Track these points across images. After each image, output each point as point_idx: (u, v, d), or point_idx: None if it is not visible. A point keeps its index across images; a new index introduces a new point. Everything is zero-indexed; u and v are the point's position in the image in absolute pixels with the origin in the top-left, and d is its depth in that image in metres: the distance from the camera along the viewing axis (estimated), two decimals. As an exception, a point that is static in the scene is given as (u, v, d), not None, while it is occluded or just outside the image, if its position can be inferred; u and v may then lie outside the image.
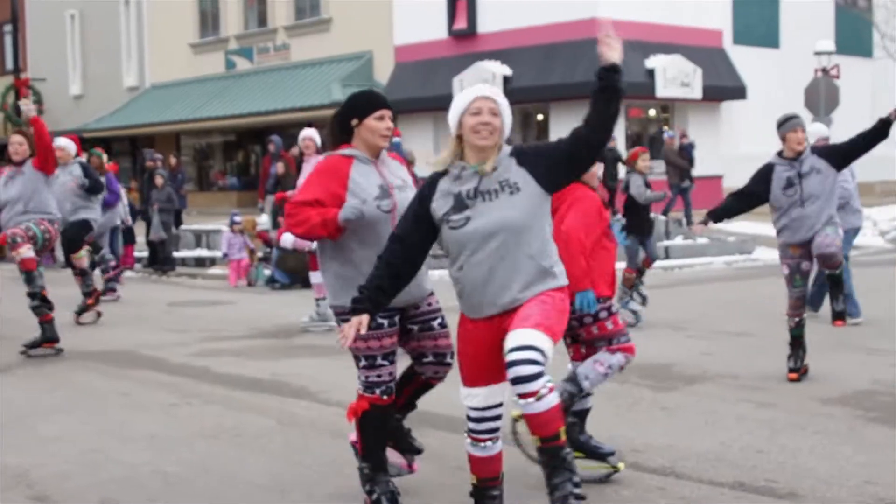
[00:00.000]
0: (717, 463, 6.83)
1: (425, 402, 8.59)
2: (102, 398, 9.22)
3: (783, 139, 9.25)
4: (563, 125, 29.08)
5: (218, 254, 23.60)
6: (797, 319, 9.47)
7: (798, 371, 9.42)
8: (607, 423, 7.96)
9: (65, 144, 14.23)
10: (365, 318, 5.08)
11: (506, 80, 29.43)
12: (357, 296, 5.15)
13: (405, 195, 5.72)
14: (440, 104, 31.02)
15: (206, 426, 8.10)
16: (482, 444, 5.34)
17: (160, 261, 21.97)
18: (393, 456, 6.14)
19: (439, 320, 5.93)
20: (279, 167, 22.23)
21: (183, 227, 24.94)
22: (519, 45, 29.99)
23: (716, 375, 9.74)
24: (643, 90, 29.15)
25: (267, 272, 19.44)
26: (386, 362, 5.75)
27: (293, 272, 18.80)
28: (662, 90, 29.22)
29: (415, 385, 6.15)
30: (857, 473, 6.55)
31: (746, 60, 31.87)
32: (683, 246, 22.96)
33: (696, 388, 9.25)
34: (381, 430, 5.89)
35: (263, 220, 22.64)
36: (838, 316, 9.62)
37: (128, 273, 21.26)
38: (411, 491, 6.31)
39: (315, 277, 12.92)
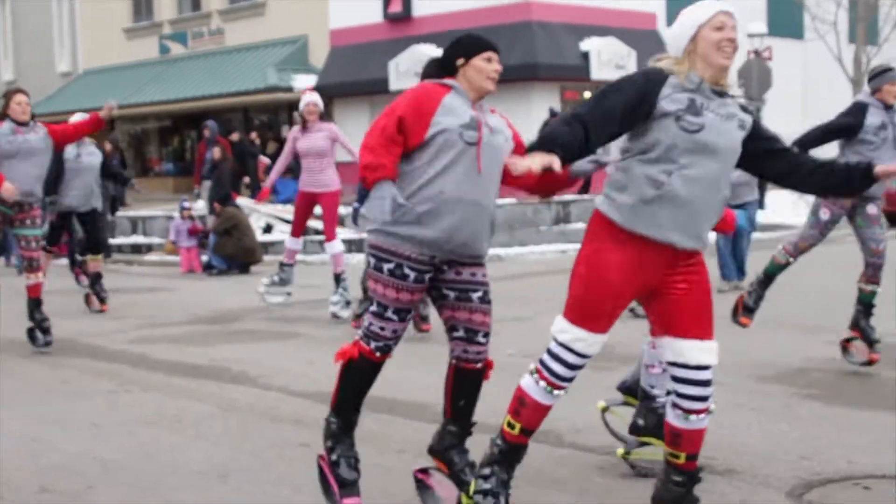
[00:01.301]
0: (656, 441, 6.90)
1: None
2: (41, 387, 9.15)
3: (878, 90, 9.25)
4: (498, 107, 28.97)
5: (156, 240, 23.49)
6: (790, 259, 9.55)
7: (751, 317, 9.51)
8: (547, 403, 8.02)
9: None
10: (556, 158, 4.54)
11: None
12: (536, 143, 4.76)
13: (496, 140, 5.47)
14: (376, 88, 31.18)
15: (145, 413, 8.07)
16: (554, 392, 5.03)
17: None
18: (441, 487, 5.72)
19: (480, 293, 5.50)
20: (215, 152, 22.11)
21: (119, 213, 24.74)
22: (454, 28, 29.90)
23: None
24: (578, 72, 29.26)
25: (205, 258, 19.35)
26: (395, 318, 5.38)
27: (230, 258, 18.75)
28: (597, 72, 29.33)
29: (450, 376, 5.67)
30: (793, 449, 6.64)
31: (680, 42, 32.09)
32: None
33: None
34: (362, 385, 5.65)
35: (199, 206, 22.50)
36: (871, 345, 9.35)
37: (62, 261, 21.07)
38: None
39: (292, 243, 13.10)
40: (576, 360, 4.98)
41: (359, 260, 19.70)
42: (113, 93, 38.44)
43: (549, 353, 5.00)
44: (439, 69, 5.58)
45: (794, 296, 12.91)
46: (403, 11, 31.75)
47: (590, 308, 4.89)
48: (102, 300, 13.89)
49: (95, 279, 13.89)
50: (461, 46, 5.54)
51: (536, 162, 4.51)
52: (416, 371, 9.44)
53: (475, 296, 5.48)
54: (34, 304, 10.67)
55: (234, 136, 26.56)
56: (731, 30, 4.79)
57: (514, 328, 11.52)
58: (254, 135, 30.40)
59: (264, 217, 23.62)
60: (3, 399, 8.56)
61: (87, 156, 13.70)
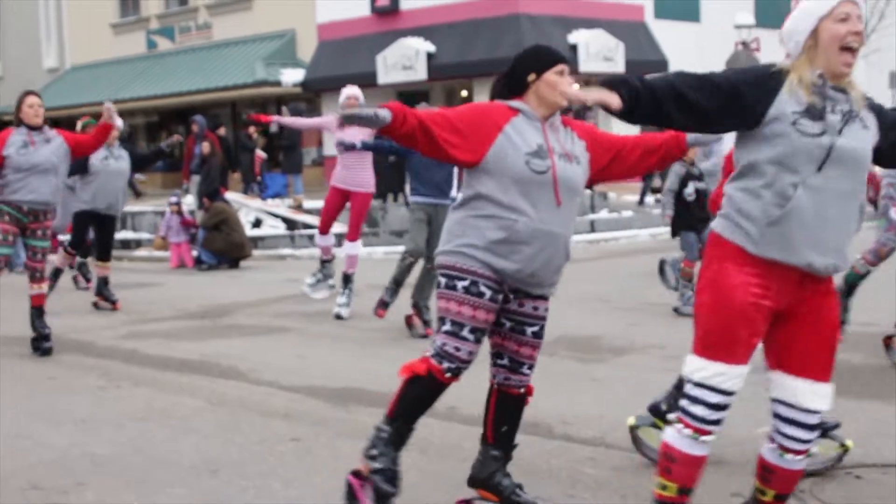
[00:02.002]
0: (647, 432, 6.90)
1: (360, 380, 8.62)
2: (29, 383, 9.12)
3: None
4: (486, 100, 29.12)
5: (145, 235, 23.46)
6: (870, 268, 9.54)
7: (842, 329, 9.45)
8: (538, 395, 8.01)
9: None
10: (615, 97, 4.12)
11: (429, 56, 29.42)
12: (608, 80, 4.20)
13: (571, 170, 5.17)
14: (364, 81, 31.03)
15: (135, 408, 8.05)
16: (701, 438, 4.50)
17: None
18: None
19: (536, 328, 5.35)
20: (204, 147, 22.10)
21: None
22: (442, 21, 29.96)
23: (643, 346, 9.83)
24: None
25: (194, 253, 19.31)
26: (471, 337, 5.13)
27: (220, 253, 18.71)
28: (585, 65, 29.34)
29: (492, 401, 5.53)
30: (783, 439, 6.64)
31: (667, 34, 32.09)
32: (609, 219, 23.12)
33: (625, 360, 9.34)
34: (423, 403, 5.31)
35: (189, 201, 22.47)
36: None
37: (51, 257, 21.02)
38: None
39: (322, 240, 12.93)
40: (719, 399, 4.44)
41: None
42: (100, 88, 38.46)
43: (688, 397, 4.45)
44: (507, 87, 5.36)
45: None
46: (391, 5, 31.72)
47: (723, 337, 4.40)
48: (113, 302, 13.63)
49: (103, 284, 13.61)
50: (532, 60, 5.27)
51: (592, 95, 4.17)
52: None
53: (530, 330, 5.35)
54: (37, 313, 10.38)
55: (222, 131, 26.53)
56: (857, 20, 4.28)
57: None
58: (251, 129, 30.38)
59: (253, 212, 23.60)
60: (-7, 396, 8.53)
61: (116, 160, 13.30)
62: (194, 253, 19.29)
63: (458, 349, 5.14)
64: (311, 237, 22.34)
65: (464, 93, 31.51)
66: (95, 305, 13.69)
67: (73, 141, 10.51)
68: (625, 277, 15.23)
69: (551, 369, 9.03)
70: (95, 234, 13.66)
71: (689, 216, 12.06)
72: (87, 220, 13.47)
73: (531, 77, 5.21)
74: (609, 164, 5.37)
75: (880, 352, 9.06)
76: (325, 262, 13.06)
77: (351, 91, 12.31)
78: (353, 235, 12.63)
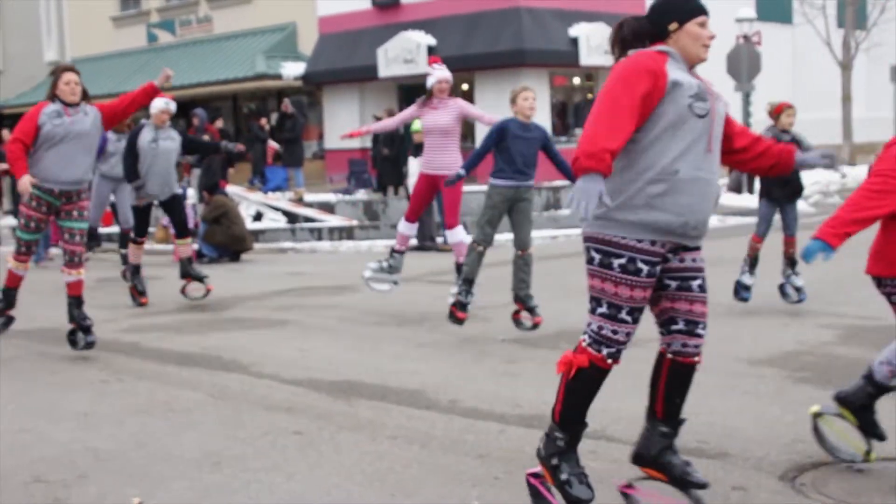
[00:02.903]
0: (649, 426, 6.89)
1: (361, 374, 8.62)
2: (30, 377, 9.12)
3: None
4: (487, 94, 29.12)
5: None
6: None
7: None
8: (541, 388, 8.02)
9: (167, 106, 13.04)
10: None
11: (430, 49, 29.38)
12: None
13: (720, 110, 5.03)
14: (365, 75, 31.13)
15: (137, 402, 8.05)
16: None
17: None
18: (660, 498, 5.26)
19: (700, 281, 5.11)
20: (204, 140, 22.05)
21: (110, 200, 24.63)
22: (443, 14, 29.93)
23: (644, 340, 9.75)
24: (567, 58, 29.22)
25: (195, 246, 19.29)
26: (629, 319, 4.99)
27: (221, 246, 18.71)
28: (586, 58, 29.31)
29: (664, 372, 5.23)
30: (786, 433, 6.65)
31: (669, 27, 32.05)
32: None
33: (626, 353, 9.28)
34: (590, 395, 5.14)
35: (189, 195, 22.45)
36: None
37: (54, 250, 21.02)
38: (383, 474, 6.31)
39: (405, 228, 11.91)
40: None
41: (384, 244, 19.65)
42: (101, 82, 38.41)
43: None
44: (638, 35, 5.07)
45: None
46: (391, -2, 31.70)
47: None
48: (201, 279, 13.36)
49: (188, 262, 13.40)
50: (674, 8, 5.00)
51: None
52: (409, 358, 9.45)
53: (695, 284, 5.11)
54: (75, 302, 9.84)
55: (219, 123, 26.53)
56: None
57: (506, 314, 11.50)
58: (263, 120, 30.43)
59: (254, 205, 23.60)
60: (-6, 390, 8.53)
61: (165, 140, 12.97)
62: (195, 246, 19.28)
63: (615, 332, 5.03)
64: (311, 230, 22.39)
65: (464, 86, 31.49)
66: (183, 292, 13.46)
67: (107, 110, 9.88)
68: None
69: (553, 362, 8.96)
70: (169, 218, 13.61)
71: (776, 182, 11.49)
72: (148, 209, 13.31)
73: (673, 25, 4.99)
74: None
75: (882, 345, 9.06)
76: (397, 253, 11.88)
77: (442, 74, 11.82)
78: (452, 221, 12.00)
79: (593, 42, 29.37)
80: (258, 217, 23.23)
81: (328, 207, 24.16)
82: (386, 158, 24.31)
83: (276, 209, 23.42)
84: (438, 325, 11.04)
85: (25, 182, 9.33)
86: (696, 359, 5.19)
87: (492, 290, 13.36)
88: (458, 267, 11.74)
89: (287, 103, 27.57)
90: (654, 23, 5.03)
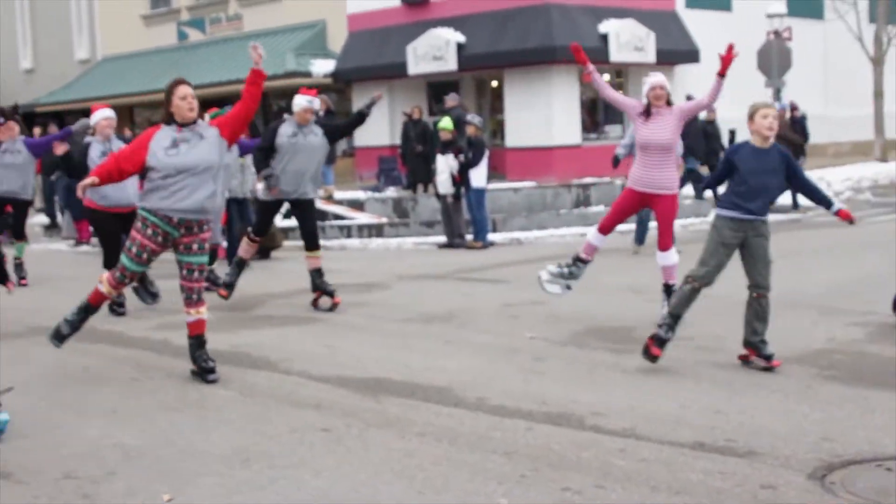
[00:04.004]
0: (677, 424, 6.90)
1: (389, 371, 8.64)
2: (61, 373, 9.18)
3: None
4: (517, 91, 29.08)
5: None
6: None
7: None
8: (568, 386, 8.02)
9: (310, 104, 12.23)
10: None
11: (459, 46, 29.36)
12: None
13: None
14: (394, 72, 31.14)
15: (167, 399, 8.09)
16: None
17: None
18: None
19: None
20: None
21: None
22: (472, 11, 29.90)
23: (674, 338, 9.80)
24: (597, 55, 29.09)
25: (225, 244, 19.34)
26: None
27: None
28: (616, 55, 29.21)
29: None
30: (814, 431, 6.63)
31: (699, 24, 31.91)
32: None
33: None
34: None
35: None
36: None
37: (85, 247, 21.15)
38: (412, 468, 6.33)
39: (596, 239, 10.86)
40: None
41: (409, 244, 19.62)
42: (131, 80, 38.63)
43: None
44: None
45: (815, 277, 12.87)
46: (421, -5, 31.70)
47: None
48: (331, 294, 12.34)
49: (317, 275, 12.39)
50: None
51: None
52: (437, 356, 9.45)
53: None
54: (196, 343, 8.85)
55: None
56: None
57: (534, 312, 11.51)
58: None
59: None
60: (25, 386, 8.58)
61: (307, 135, 12.12)
62: (224, 244, 19.34)
63: None
64: (341, 228, 22.42)
65: (494, 83, 31.47)
66: (314, 305, 12.52)
67: (225, 126, 8.78)
68: (656, 269, 15.15)
69: (582, 360, 9.03)
70: (299, 223, 12.50)
71: None
72: (274, 207, 12.52)
73: None
74: None
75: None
76: (581, 262, 10.92)
77: (656, 79, 10.52)
78: (665, 243, 10.80)
79: (623, 38, 29.28)
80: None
81: (357, 205, 24.17)
82: (419, 155, 24.31)
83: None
84: (467, 322, 11.04)
85: (84, 185, 8.49)
86: None
87: (520, 288, 13.37)
88: (667, 288, 10.79)
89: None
90: None
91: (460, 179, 18.95)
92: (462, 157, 18.80)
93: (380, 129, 31.40)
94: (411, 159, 24.77)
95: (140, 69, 39.60)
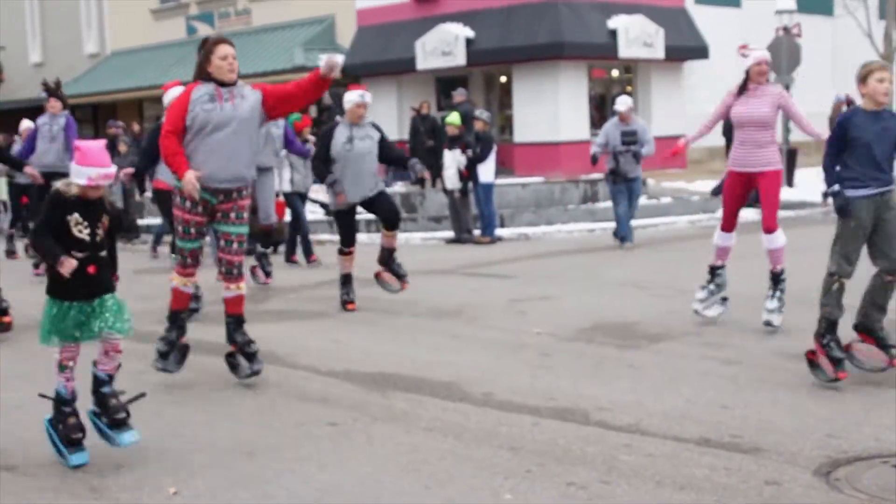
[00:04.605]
0: (683, 419, 6.90)
1: (396, 366, 8.64)
2: (69, 366, 9.18)
3: None
4: (526, 86, 29.09)
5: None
6: None
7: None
8: (574, 381, 8.03)
9: (362, 98, 11.58)
10: None
11: (468, 42, 29.37)
12: None
13: None
14: (403, 67, 31.16)
15: (173, 392, 8.11)
16: None
17: (124, 228, 21.87)
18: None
19: None
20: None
21: (147, 194, 24.76)
22: (481, 6, 29.90)
23: (680, 333, 9.81)
24: (606, 51, 29.14)
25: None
26: None
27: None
28: (625, 50, 29.22)
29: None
30: (820, 427, 6.62)
31: (708, 20, 31.90)
32: (647, 205, 23.03)
33: (661, 346, 9.31)
34: None
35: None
36: None
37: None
38: (419, 462, 6.33)
39: (723, 240, 10.37)
40: None
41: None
42: (140, 74, 38.66)
43: None
44: None
45: (822, 272, 12.84)
46: (430, -10, 31.70)
47: None
48: (401, 277, 11.86)
49: (388, 255, 11.90)
50: None
51: None
52: (445, 351, 9.46)
53: None
54: (234, 322, 8.45)
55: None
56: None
57: (541, 307, 11.51)
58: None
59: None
60: (29, 380, 8.59)
61: (363, 139, 11.52)
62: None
63: None
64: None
65: (503, 78, 31.46)
66: (378, 277, 12.10)
67: (270, 96, 8.21)
68: (663, 264, 15.17)
69: (588, 355, 9.03)
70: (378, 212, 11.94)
71: None
72: (350, 213, 11.95)
73: None
74: None
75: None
76: (718, 270, 10.37)
77: (762, 54, 10.03)
78: (770, 224, 10.07)
79: (632, 34, 29.29)
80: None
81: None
82: (430, 150, 24.30)
83: (314, 201, 23.42)
84: (474, 317, 11.05)
85: (191, 178, 7.85)
86: None
87: (527, 284, 13.38)
88: (775, 277, 10.09)
89: (326, 95, 27.62)
90: None
91: (468, 174, 18.94)
92: (469, 152, 18.79)
93: (388, 124, 31.38)
94: (423, 154, 24.77)
95: (149, 63, 39.66)
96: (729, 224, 10.23)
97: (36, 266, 14.95)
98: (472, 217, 19.64)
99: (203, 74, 8.10)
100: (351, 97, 11.55)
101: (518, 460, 6.15)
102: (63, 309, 6.38)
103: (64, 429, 6.36)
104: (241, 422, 7.20)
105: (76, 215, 6.37)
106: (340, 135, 11.49)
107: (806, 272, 11.58)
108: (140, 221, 23.00)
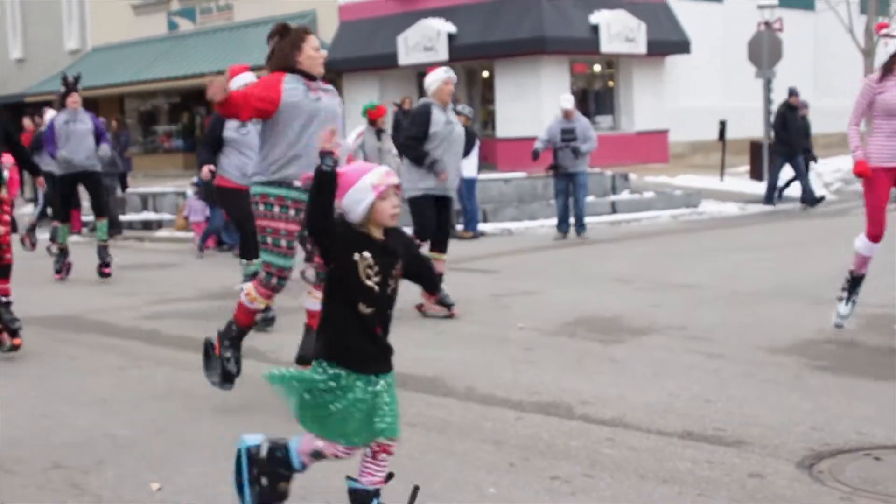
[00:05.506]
0: (666, 413, 6.90)
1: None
2: (50, 363, 9.16)
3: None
4: (507, 81, 29.11)
5: (166, 216, 23.51)
6: None
7: None
8: (557, 375, 8.03)
9: (447, 74, 10.88)
10: None
11: (450, 37, 29.36)
12: None
13: None
14: (385, 62, 31.13)
15: (156, 388, 8.09)
16: None
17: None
18: None
19: None
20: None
21: (129, 189, 24.74)
22: (463, 2, 29.90)
23: (663, 327, 9.82)
24: (587, 46, 29.16)
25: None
26: None
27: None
28: (607, 45, 29.25)
29: None
30: (803, 420, 6.63)
31: (690, 15, 31.94)
32: (630, 200, 23.06)
33: (644, 340, 9.32)
34: None
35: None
36: None
37: (75, 237, 21.09)
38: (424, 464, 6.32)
39: (868, 248, 9.15)
40: None
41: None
42: (121, 70, 38.56)
43: None
44: None
45: (806, 267, 12.88)
46: (412, -15, 31.69)
47: None
48: (449, 306, 10.74)
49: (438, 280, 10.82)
50: None
51: None
52: (429, 346, 9.45)
53: None
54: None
55: None
56: None
57: (524, 302, 11.51)
58: None
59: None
60: (13, 376, 8.58)
61: (450, 124, 10.87)
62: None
63: None
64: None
65: (484, 74, 31.47)
66: (421, 310, 11.03)
67: None
68: (645, 258, 15.19)
69: (571, 349, 9.04)
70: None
71: None
72: (431, 202, 10.95)
73: None
74: None
75: (901, 333, 9.04)
76: (857, 281, 9.27)
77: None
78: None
79: (614, 30, 29.32)
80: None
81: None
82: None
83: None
84: (459, 312, 11.03)
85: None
86: None
87: (510, 278, 13.39)
88: (855, 280, 9.25)
89: None
90: None
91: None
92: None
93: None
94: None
95: (130, 59, 39.57)
96: (880, 228, 8.98)
97: (58, 272, 14.62)
98: (454, 212, 19.64)
99: (288, 64, 7.33)
100: (437, 76, 10.80)
101: (502, 454, 6.15)
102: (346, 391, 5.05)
103: (270, 491, 5.32)
104: (225, 418, 7.18)
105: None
106: (439, 115, 10.76)
107: (782, 268, 11.65)
108: (122, 217, 22.90)
